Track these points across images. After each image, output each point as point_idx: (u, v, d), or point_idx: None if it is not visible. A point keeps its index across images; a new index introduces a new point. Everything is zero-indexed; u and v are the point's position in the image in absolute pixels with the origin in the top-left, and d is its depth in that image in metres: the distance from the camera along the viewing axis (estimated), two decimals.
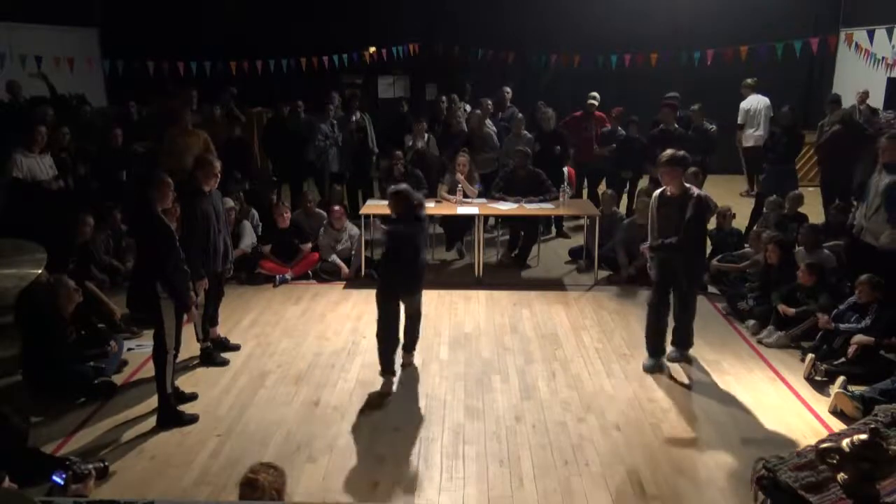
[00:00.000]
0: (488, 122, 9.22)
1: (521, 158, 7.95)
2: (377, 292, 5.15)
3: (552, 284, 7.47)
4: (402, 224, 5.11)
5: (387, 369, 5.16)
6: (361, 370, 5.45)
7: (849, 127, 8.23)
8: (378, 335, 5.14)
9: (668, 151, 5.14)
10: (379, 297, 5.12)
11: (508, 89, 10.25)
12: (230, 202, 7.55)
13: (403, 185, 5.25)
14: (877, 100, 10.63)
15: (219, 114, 9.23)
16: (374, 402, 4.95)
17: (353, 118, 9.31)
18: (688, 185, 5.18)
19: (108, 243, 7.26)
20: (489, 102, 9.54)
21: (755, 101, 10.80)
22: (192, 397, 4.97)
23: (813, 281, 5.88)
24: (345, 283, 7.46)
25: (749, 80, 10.82)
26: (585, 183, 9.58)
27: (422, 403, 4.93)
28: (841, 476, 3.08)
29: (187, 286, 4.73)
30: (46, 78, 9.27)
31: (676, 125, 8.86)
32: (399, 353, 5.33)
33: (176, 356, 4.69)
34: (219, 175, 5.35)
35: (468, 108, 10.42)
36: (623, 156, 8.98)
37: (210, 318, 5.64)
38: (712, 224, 7.95)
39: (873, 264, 5.53)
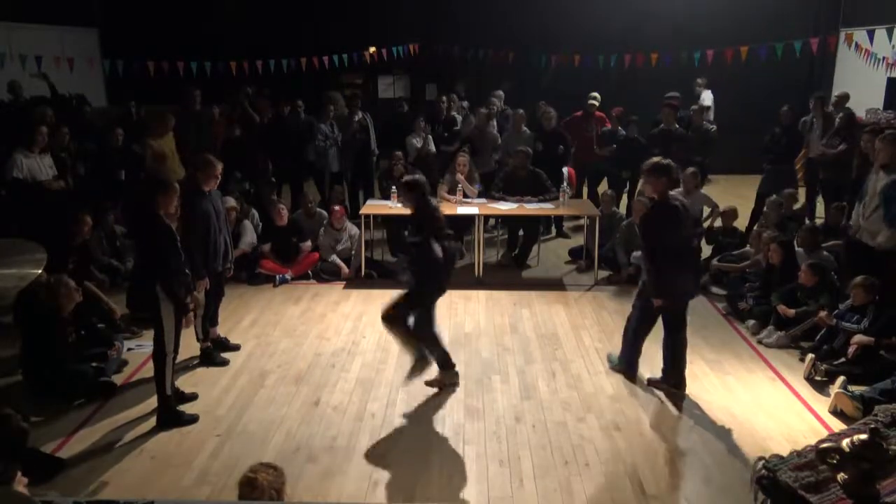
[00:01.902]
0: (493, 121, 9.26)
1: (521, 158, 7.95)
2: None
3: (552, 284, 7.47)
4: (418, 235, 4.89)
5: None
6: (361, 370, 5.45)
7: (856, 141, 8.14)
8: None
9: (652, 160, 4.88)
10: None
11: (501, 93, 10.22)
12: (231, 201, 7.55)
13: (417, 176, 5.00)
14: (877, 100, 10.63)
15: (218, 113, 9.22)
16: (374, 402, 4.95)
17: (355, 118, 9.31)
18: (672, 193, 4.85)
19: (102, 243, 7.25)
20: (496, 103, 9.54)
21: (709, 98, 11.00)
22: (193, 397, 4.96)
23: (814, 281, 5.88)
24: (345, 283, 7.46)
25: (700, 80, 11.07)
26: (585, 183, 9.59)
27: (422, 403, 4.93)
28: (841, 476, 3.09)
29: (188, 289, 4.73)
30: (47, 78, 9.27)
31: (677, 125, 8.86)
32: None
33: (175, 358, 4.69)
34: (219, 177, 5.36)
35: (466, 104, 10.44)
36: (623, 156, 8.98)
37: (210, 318, 5.64)
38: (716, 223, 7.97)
39: (870, 264, 5.53)
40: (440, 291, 5.03)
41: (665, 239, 4.75)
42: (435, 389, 5.12)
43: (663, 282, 4.80)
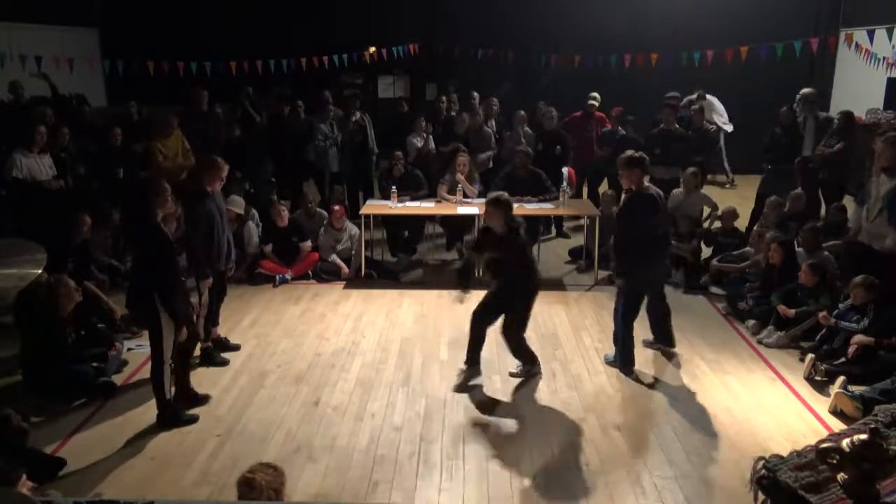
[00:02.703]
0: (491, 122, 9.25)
1: (522, 158, 7.95)
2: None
3: (552, 284, 7.46)
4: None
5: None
6: (361, 370, 5.45)
7: (854, 140, 8.10)
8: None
9: (627, 153, 5.26)
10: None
11: (496, 100, 10.15)
12: (241, 204, 7.53)
13: (503, 194, 5.23)
14: (877, 100, 10.63)
15: (221, 113, 9.24)
16: (374, 402, 4.95)
17: (353, 118, 9.31)
18: (647, 185, 5.27)
19: (105, 242, 7.26)
20: (495, 103, 9.52)
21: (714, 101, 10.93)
22: (205, 400, 4.92)
23: (815, 281, 5.88)
24: (345, 283, 7.46)
25: (699, 92, 10.83)
26: (585, 183, 9.58)
27: (422, 403, 4.93)
28: (841, 476, 3.08)
29: (186, 301, 4.72)
30: (48, 78, 9.27)
31: (677, 125, 8.84)
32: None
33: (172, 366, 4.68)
34: (224, 179, 5.36)
35: (456, 106, 10.42)
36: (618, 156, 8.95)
37: (211, 318, 5.64)
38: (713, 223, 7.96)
39: (873, 266, 5.52)
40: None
41: (641, 226, 5.12)
42: (437, 388, 5.13)
43: (631, 266, 5.19)
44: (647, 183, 5.27)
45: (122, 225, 7.54)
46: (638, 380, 5.28)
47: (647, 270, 5.23)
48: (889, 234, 5.53)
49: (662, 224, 5.40)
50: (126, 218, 7.66)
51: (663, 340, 5.69)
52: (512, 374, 5.32)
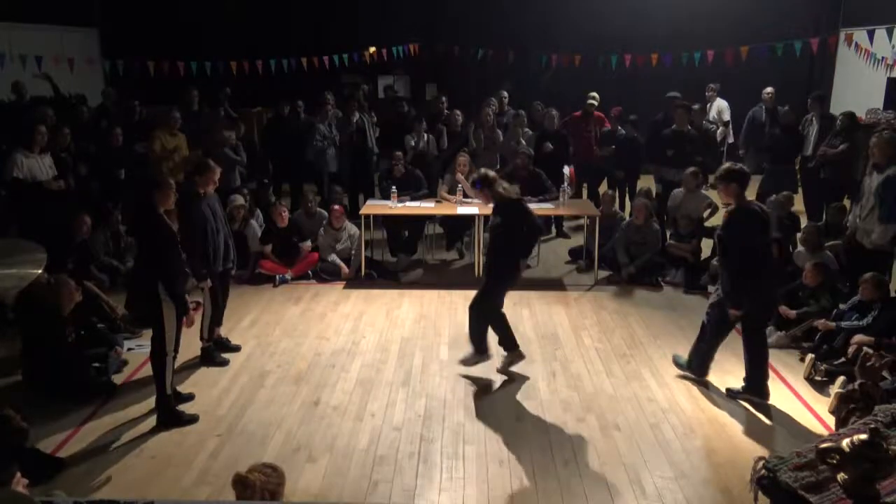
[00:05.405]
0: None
1: (522, 159, 7.96)
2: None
3: (552, 284, 7.46)
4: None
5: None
6: (361, 370, 5.45)
7: (857, 141, 8.09)
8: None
9: (724, 165, 4.80)
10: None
11: (506, 93, 10.19)
12: (239, 200, 7.54)
13: (486, 170, 5.43)
14: (877, 100, 10.64)
15: (223, 114, 9.26)
16: (374, 402, 4.96)
17: (353, 119, 9.31)
18: (750, 199, 4.73)
19: (107, 243, 7.27)
20: (495, 104, 9.52)
21: (725, 108, 10.75)
22: (189, 398, 4.95)
23: (818, 281, 5.88)
24: (345, 283, 7.46)
25: (713, 85, 10.69)
26: (585, 183, 9.58)
27: (422, 403, 4.93)
28: (841, 476, 3.08)
29: (187, 289, 4.74)
30: (51, 79, 9.28)
31: (689, 126, 8.68)
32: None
33: (175, 358, 4.69)
34: (217, 181, 5.37)
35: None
36: (620, 156, 8.95)
37: (216, 318, 5.63)
38: (716, 220, 7.94)
39: (867, 265, 5.54)
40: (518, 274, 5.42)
41: (751, 246, 4.61)
42: (437, 388, 5.12)
43: (747, 292, 4.68)
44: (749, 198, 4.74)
45: (125, 221, 7.56)
46: (639, 379, 5.28)
47: (762, 294, 4.74)
48: (875, 228, 5.54)
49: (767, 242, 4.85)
50: (130, 211, 7.67)
51: (757, 391, 4.92)
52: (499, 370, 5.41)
